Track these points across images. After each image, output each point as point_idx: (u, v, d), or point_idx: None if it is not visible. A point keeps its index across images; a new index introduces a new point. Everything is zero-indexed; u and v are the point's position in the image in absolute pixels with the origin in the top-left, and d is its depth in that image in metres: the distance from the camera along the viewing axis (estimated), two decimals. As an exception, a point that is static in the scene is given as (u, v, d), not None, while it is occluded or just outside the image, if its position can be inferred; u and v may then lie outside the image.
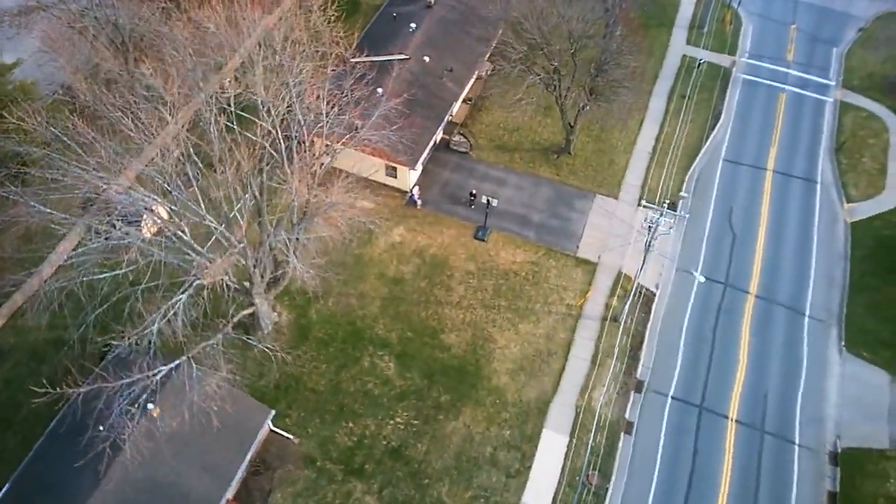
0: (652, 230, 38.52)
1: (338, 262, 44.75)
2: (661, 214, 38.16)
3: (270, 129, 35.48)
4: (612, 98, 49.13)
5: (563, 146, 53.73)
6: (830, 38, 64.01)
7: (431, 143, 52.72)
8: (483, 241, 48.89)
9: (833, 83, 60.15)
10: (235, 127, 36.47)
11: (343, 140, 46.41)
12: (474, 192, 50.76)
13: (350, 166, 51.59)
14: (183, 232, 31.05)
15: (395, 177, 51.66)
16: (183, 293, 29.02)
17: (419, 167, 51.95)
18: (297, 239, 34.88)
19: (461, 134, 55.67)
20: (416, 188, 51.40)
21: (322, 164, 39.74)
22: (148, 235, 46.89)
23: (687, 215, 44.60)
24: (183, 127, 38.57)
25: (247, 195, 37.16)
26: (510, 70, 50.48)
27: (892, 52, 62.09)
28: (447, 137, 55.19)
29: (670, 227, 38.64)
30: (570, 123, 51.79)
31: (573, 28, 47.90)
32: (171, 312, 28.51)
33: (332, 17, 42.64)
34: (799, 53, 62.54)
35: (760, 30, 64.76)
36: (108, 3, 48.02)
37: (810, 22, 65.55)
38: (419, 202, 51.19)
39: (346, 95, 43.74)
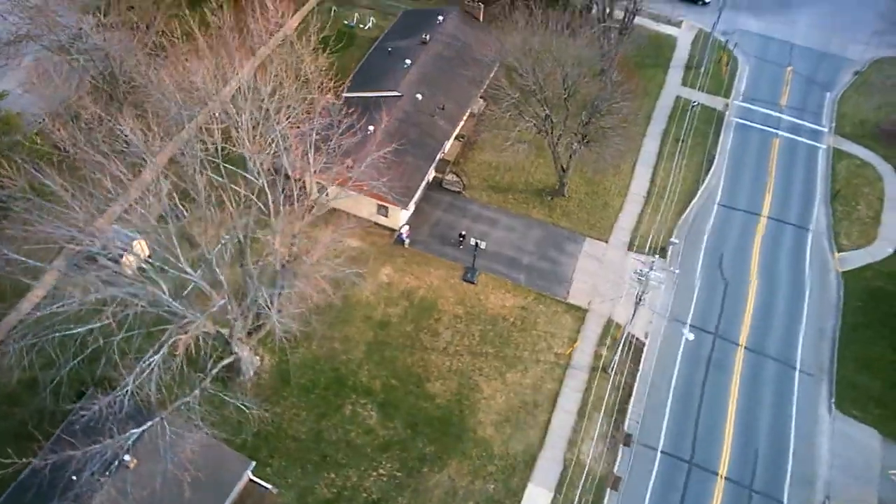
0: (643, 284, 37.95)
1: (323, 304, 43.96)
2: (651, 268, 37.59)
3: (255, 179, 34.85)
4: (605, 144, 48.77)
5: (557, 188, 53.25)
6: (825, 83, 64.03)
7: (423, 182, 52.17)
8: (472, 283, 48.23)
9: (826, 129, 60.05)
10: (222, 179, 35.76)
11: (334, 180, 46.13)
12: (463, 233, 50.18)
13: (340, 204, 51.23)
14: (162, 291, 30.20)
15: (387, 216, 51.03)
16: (157, 353, 28.17)
17: (411, 207, 51.35)
18: (279, 293, 34.17)
19: (454, 173, 55.19)
20: (406, 227, 50.77)
21: (310, 211, 39.04)
22: (129, 272, 46.35)
23: (677, 271, 44.04)
24: (163, 176, 37.99)
25: (227, 238, 36.57)
26: (502, 115, 50.20)
27: (886, 99, 62.12)
28: (440, 176, 54.69)
29: (661, 283, 38.07)
30: (562, 167, 51.38)
31: (568, 73, 47.61)
32: (144, 375, 27.64)
33: (324, 66, 41.75)
34: (793, 98, 62.50)
35: (756, 72, 64.74)
36: (96, 39, 47.59)
37: (806, 65, 65.61)
38: (407, 241, 50.53)
39: (336, 133, 43.19)
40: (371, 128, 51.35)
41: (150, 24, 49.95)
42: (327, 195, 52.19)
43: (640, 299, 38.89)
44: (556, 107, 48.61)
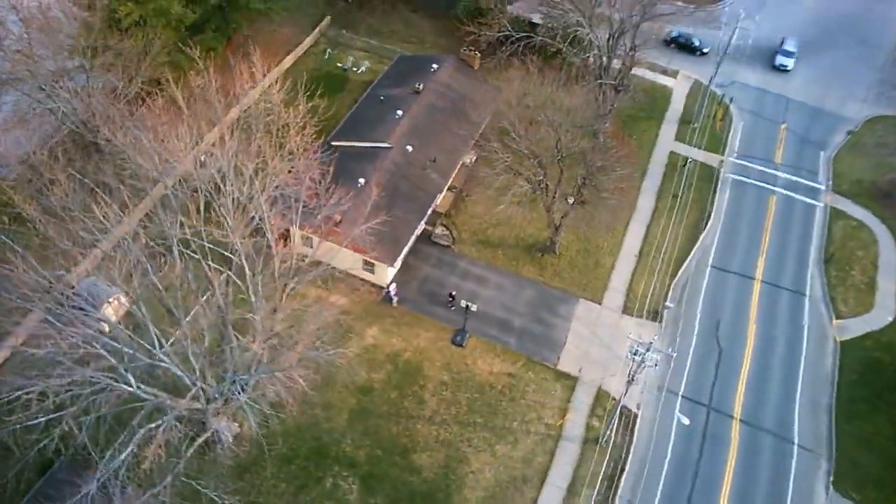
0: (638, 364, 36.63)
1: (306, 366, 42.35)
2: (648, 349, 36.27)
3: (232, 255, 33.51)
4: (599, 206, 47.73)
5: (548, 245, 52.07)
6: (820, 141, 63.47)
7: (412, 239, 50.85)
8: (461, 346, 46.76)
9: (823, 187, 59.39)
10: (208, 263, 34.39)
11: (320, 233, 44.85)
12: (454, 293, 48.78)
13: (326, 257, 49.76)
14: (132, 383, 28.52)
15: (373, 272, 49.60)
16: (124, 452, 26.47)
17: (398, 264, 49.97)
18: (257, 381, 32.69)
19: (444, 225, 53.95)
20: (394, 285, 49.34)
21: (292, 277, 37.56)
22: (106, 326, 44.61)
23: (675, 353, 42.74)
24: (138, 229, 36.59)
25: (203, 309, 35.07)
26: (496, 176, 49.12)
27: (881, 159, 61.63)
28: (429, 229, 53.39)
29: (656, 363, 36.76)
30: (555, 225, 50.24)
31: (562, 137, 46.62)
32: (110, 472, 25.94)
33: (310, 139, 40.56)
34: (788, 155, 61.85)
35: (751, 128, 64.11)
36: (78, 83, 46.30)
37: (801, 122, 65.08)
38: (395, 299, 49.08)
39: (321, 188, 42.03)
40: (361, 181, 50.23)
41: (134, 76, 48.57)
42: (312, 247, 51.24)
43: (632, 378, 37.57)
44: (550, 166, 47.55)
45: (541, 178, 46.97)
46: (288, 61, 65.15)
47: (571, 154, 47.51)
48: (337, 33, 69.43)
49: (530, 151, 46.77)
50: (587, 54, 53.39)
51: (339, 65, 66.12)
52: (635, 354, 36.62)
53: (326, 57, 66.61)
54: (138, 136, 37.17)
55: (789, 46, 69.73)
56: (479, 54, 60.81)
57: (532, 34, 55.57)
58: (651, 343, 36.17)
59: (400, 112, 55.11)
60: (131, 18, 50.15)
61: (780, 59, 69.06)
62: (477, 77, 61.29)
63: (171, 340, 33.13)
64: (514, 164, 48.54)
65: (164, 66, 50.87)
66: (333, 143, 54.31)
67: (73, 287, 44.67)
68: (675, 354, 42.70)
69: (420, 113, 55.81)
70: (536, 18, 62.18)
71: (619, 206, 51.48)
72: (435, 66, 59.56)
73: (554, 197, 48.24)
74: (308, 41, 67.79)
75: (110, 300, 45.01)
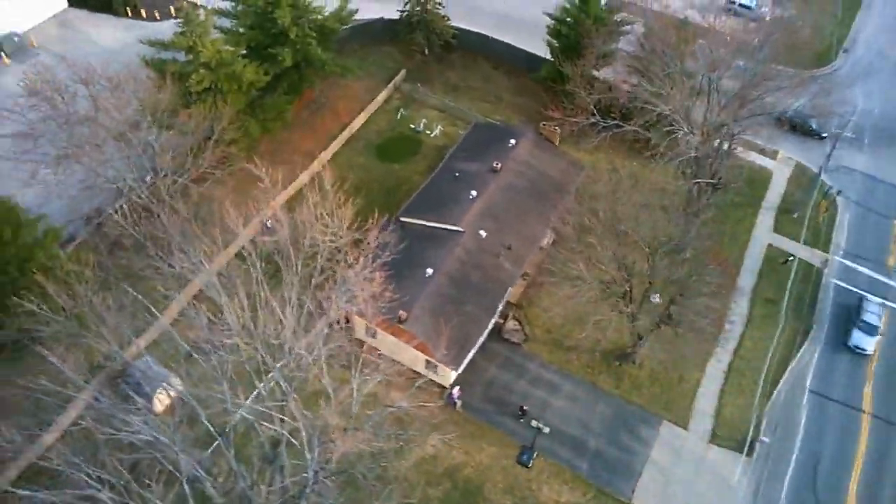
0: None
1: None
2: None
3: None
4: (688, 327, 42.81)
5: (628, 353, 47.48)
6: (941, 242, 56.94)
7: (481, 338, 47.06)
8: (527, 467, 42.67)
9: (945, 303, 52.95)
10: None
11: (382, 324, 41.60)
12: (525, 407, 44.68)
13: (388, 350, 46.58)
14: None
15: (436, 371, 45.98)
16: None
17: (463, 366, 46.26)
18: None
19: (516, 319, 49.92)
20: (458, 388, 45.62)
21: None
22: (160, 408, 42.27)
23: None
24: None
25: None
26: (571, 269, 44.64)
27: None
28: (499, 322, 49.43)
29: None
30: (639, 335, 45.64)
31: (655, 260, 41.96)
32: None
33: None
34: (904, 258, 55.63)
35: (859, 223, 57.92)
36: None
37: (919, 218, 58.57)
38: (458, 403, 45.36)
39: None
40: (429, 271, 46.70)
41: (199, 153, 46.17)
42: (374, 336, 48.03)
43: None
44: (636, 276, 42.94)
45: (626, 288, 42.43)
46: (359, 121, 62.26)
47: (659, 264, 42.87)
48: (412, 87, 66.19)
49: (613, 255, 42.24)
50: (683, 155, 48.38)
51: (412, 126, 62.82)
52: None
53: (399, 117, 63.40)
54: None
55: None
56: (559, 130, 56.53)
57: (620, 123, 50.96)
58: None
59: (475, 192, 51.35)
60: (202, 85, 47.82)
61: None
62: (557, 153, 57.06)
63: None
64: (595, 261, 44.19)
65: (231, 141, 48.41)
66: (403, 220, 51.14)
67: (124, 370, 42.81)
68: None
69: (496, 194, 51.95)
70: (625, 85, 57.56)
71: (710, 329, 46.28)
72: (513, 141, 55.55)
73: (639, 307, 43.68)
74: (382, 97, 64.74)
75: (162, 387, 42.71)
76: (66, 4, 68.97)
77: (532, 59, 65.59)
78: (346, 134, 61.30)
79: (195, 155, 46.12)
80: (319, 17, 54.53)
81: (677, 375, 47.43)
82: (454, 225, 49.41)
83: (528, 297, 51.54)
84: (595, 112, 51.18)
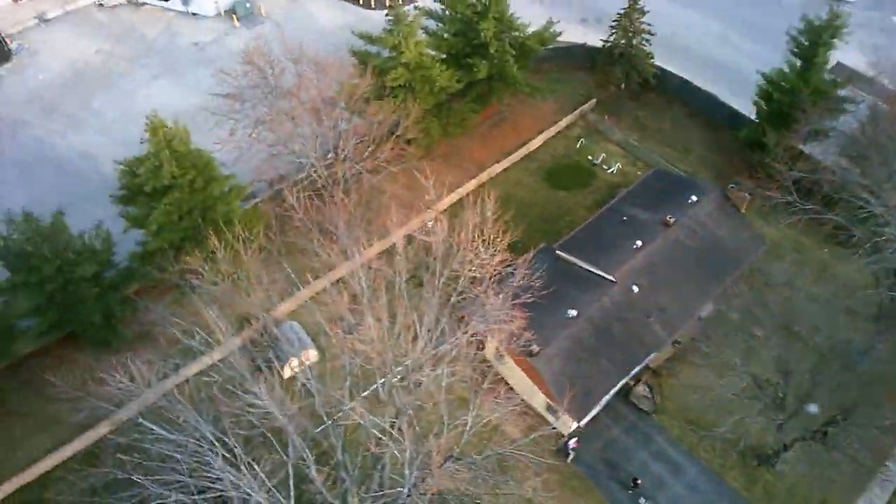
0: None
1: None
2: None
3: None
4: (844, 454, 37.93)
5: (769, 456, 43.06)
6: None
7: (610, 396, 44.73)
8: (623, 546, 40.06)
9: None
10: None
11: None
12: (639, 480, 41.98)
13: (512, 380, 45.78)
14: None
15: (556, 417, 44.28)
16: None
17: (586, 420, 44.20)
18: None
19: (648, 385, 47.01)
20: (575, 439, 43.68)
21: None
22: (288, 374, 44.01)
23: None
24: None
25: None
26: (728, 351, 41.03)
27: None
28: (629, 383, 46.74)
29: None
30: (784, 444, 41.19)
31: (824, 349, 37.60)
32: None
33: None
34: None
35: None
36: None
37: None
38: (571, 455, 43.43)
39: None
40: (572, 312, 44.98)
41: (382, 142, 47.34)
42: (501, 360, 47.24)
43: None
44: (797, 375, 38.63)
45: (781, 395, 38.32)
46: (538, 141, 61.47)
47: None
48: (598, 119, 64.33)
49: (778, 357, 38.27)
50: (889, 263, 42.92)
51: (590, 157, 61.02)
52: None
53: (578, 146, 61.85)
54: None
55: None
56: (748, 197, 52.24)
57: (820, 211, 46.14)
58: None
59: (639, 243, 48.74)
60: (398, 82, 49.17)
61: None
62: (740, 221, 52.62)
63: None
64: (753, 354, 40.37)
65: (411, 140, 49.34)
66: (559, 253, 49.75)
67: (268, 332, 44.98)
68: None
69: (662, 251, 48.97)
70: (834, 169, 52.11)
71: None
72: (694, 197, 52.01)
73: (791, 416, 39.29)
74: (565, 122, 63.46)
75: (298, 355, 44.39)
76: (298, -22, 73.92)
77: (734, 117, 61.30)
78: (522, 151, 60.77)
79: (376, 146, 47.45)
80: (522, 34, 54.14)
81: (820, 498, 42.29)
82: (608, 272, 47.22)
83: (670, 366, 48.31)
84: (793, 191, 46.60)
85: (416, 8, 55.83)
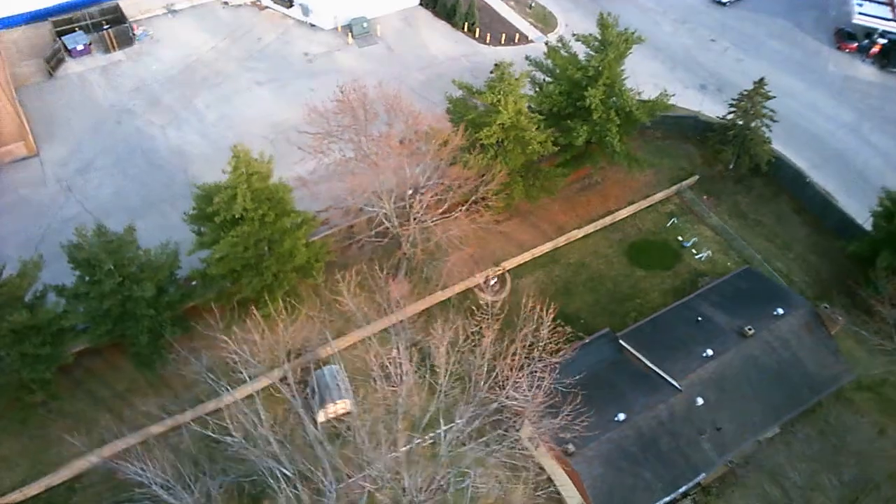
0: None
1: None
2: None
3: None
4: None
5: None
6: None
7: (646, 510, 42.10)
8: None
9: None
10: None
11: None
12: None
13: (548, 468, 43.91)
14: None
15: (584, 516, 42.14)
16: None
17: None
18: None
19: (694, 502, 43.97)
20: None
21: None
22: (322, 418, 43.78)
23: None
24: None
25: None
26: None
27: None
28: (676, 498, 43.83)
29: None
30: None
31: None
32: None
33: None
34: None
35: None
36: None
37: None
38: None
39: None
40: (621, 416, 42.51)
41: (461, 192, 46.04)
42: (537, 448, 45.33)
43: None
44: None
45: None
46: (626, 212, 58.60)
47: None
48: (696, 197, 60.77)
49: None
50: None
51: (679, 238, 57.64)
52: None
53: (669, 224, 58.56)
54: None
55: None
56: (841, 321, 47.80)
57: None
58: None
59: (710, 352, 45.53)
60: (490, 140, 47.71)
61: None
62: (828, 344, 48.18)
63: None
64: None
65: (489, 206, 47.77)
66: (622, 342, 47.20)
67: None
68: None
69: (734, 364, 45.54)
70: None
71: None
72: (781, 310, 48.01)
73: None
74: (660, 196, 60.23)
75: (335, 403, 44.11)
76: (417, 2, 73.60)
77: (845, 224, 56.39)
78: (606, 220, 58.15)
79: (452, 205, 46.30)
80: (631, 105, 51.26)
81: None
82: (674, 378, 44.32)
83: (720, 487, 44.99)
84: (894, 337, 42.11)
85: (529, 62, 54.22)
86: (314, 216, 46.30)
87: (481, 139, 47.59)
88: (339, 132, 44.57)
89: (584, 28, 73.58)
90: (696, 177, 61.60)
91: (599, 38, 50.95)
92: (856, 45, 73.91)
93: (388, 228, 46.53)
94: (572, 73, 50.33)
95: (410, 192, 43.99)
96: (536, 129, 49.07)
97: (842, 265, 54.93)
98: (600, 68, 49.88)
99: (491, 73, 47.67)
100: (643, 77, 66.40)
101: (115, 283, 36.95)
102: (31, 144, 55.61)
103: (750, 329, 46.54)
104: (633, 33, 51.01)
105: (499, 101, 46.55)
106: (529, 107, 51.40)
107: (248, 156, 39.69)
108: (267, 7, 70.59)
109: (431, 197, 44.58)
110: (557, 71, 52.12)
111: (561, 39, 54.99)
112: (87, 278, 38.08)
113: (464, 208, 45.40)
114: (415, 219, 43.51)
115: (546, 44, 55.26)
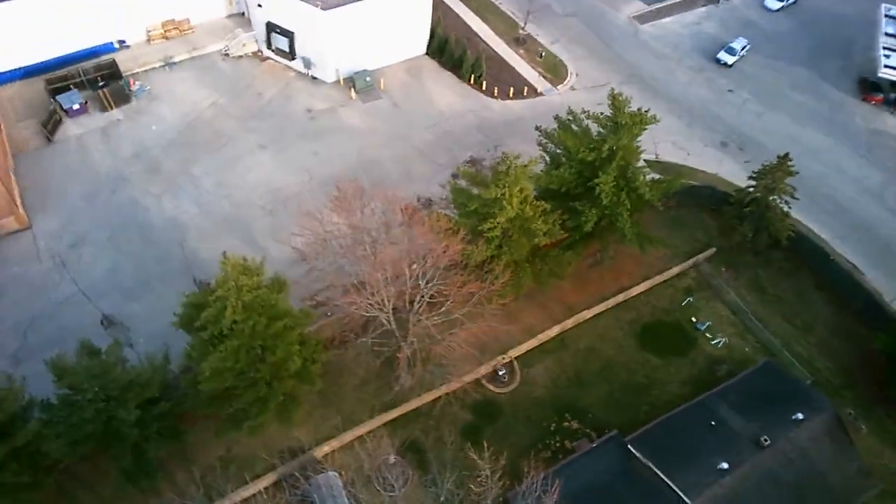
0: None
1: None
2: None
3: None
4: None
5: None
6: None
7: None
8: None
9: None
10: None
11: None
12: None
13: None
14: None
15: None
16: None
17: None
18: None
19: None
20: None
21: None
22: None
23: None
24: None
25: None
26: None
27: None
28: None
29: None
30: None
31: None
32: None
33: None
34: None
35: None
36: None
37: None
38: None
39: None
40: (632, 535, 40.42)
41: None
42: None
43: None
44: None
45: None
46: (639, 288, 55.96)
47: None
48: (713, 270, 58.00)
49: None
50: None
51: (693, 320, 54.96)
52: None
53: (684, 304, 55.93)
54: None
55: None
56: (864, 430, 45.22)
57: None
58: None
59: (726, 465, 43.12)
60: (493, 233, 45.35)
61: None
62: (849, 452, 45.73)
63: None
64: None
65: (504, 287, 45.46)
66: (631, 448, 44.93)
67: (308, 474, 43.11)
68: None
69: (749, 478, 43.10)
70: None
71: None
72: (800, 415, 45.47)
73: None
74: (675, 270, 57.46)
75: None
76: (423, 51, 71.08)
77: (872, 307, 53.51)
78: (619, 297, 55.59)
79: (455, 300, 44.06)
80: (644, 188, 48.59)
81: None
82: (686, 495, 41.97)
83: None
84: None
85: (539, 133, 51.77)
86: (309, 311, 44.34)
87: (483, 229, 45.28)
88: (335, 231, 42.42)
89: (594, 78, 71.45)
90: (714, 249, 58.85)
91: (612, 118, 48.29)
92: (882, 97, 70.66)
93: (387, 330, 44.45)
94: (584, 156, 47.77)
95: (409, 302, 41.82)
96: (542, 219, 46.48)
97: (868, 352, 52.22)
98: (614, 148, 47.37)
99: (503, 165, 44.78)
100: (661, 135, 63.86)
101: (95, 409, 35.20)
102: (21, 218, 53.90)
103: (766, 440, 44.01)
104: (646, 112, 48.31)
105: (503, 194, 44.13)
106: (536, 192, 48.94)
107: (237, 267, 37.65)
108: (268, 58, 68.32)
109: (430, 299, 42.48)
110: (569, 153, 49.48)
111: (572, 113, 52.27)
112: (70, 395, 36.44)
113: (464, 310, 43.10)
114: (416, 322, 41.46)
115: (556, 118, 52.55)
